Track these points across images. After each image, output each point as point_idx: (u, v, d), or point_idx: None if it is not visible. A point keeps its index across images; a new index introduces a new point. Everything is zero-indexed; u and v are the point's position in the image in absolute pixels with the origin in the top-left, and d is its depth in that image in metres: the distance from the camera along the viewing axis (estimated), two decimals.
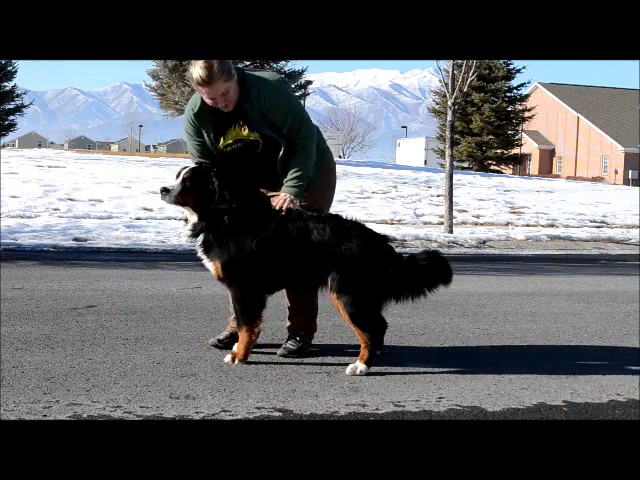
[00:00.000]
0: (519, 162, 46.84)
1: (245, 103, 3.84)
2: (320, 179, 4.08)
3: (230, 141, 3.95)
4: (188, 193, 3.74)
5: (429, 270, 3.88)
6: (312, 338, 4.25)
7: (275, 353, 4.14)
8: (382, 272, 3.77)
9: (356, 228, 3.82)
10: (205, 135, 3.95)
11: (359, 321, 3.78)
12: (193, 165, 3.91)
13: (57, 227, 10.77)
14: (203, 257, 3.88)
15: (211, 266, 3.85)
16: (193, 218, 3.82)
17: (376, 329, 3.85)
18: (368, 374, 3.78)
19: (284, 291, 4.14)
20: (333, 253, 3.73)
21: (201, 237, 3.83)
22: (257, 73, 3.97)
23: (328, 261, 3.74)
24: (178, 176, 3.79)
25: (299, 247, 3.77)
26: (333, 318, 4.33)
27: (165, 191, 3.74)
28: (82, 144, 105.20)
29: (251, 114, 3.86)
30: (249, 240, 3.75)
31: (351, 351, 4.24)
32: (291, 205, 3.79)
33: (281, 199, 3.79)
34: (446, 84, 13.92)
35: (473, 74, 13.86)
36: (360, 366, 3.81)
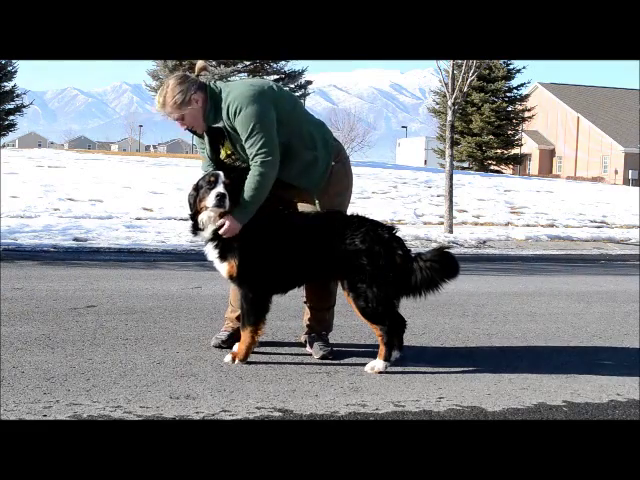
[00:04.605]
0: (519, 162, 46.83)
1: (220, 122, 3.86)
2: (337, 168, 4.07)
3: (224, 155, 4.05)
4: (230, 198, 3.73)
5: (438, 266, 3.88)
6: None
7: (275, 353, 4.14)
8: (389, 263, 3.78)
9: (360, 222, 3.86)
10: (206, 149, 4.06)
11: (369, 314, 3.81)
12: (219, 171, 3.84)
13: (57, 227, 10.76)
14: (214, 257, 3.87)
15: (225, 266, 3.84)
16: (220, 221, 3.78)
17: (390, 320, 3.85)
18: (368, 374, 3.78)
19: (287, 292, 4.13)
20: (340, 249, 3.77)
21: (215, 239, 3.83)
22: (238, 85, 3.92)
23: (336, 257, 3.78)
24: (213, 182, 3.74)
25: (308, 245, 3.80)
26: (333, 318, 4.36)
27: (222, 196, 3.69)
28: (82, 144, 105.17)
29: (225, 132, 3.90)
30: (264, 239, 3.78)
31: (352, 350, 4.25)
32: (229, 234, 3.74)
33: (225, 227, 3.75)
34: (446, 84, 13.92)
35: (473, 74, 13.85)
36: (378, 363, 3.82)
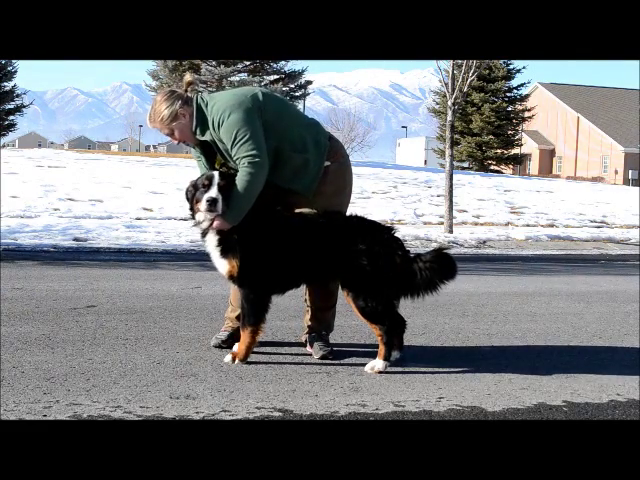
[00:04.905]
0: (519, 162, 46.83)
1: (207, 134, 3.87)
2: (333, 168, 4.05)
3: (218, 166, 4.07)
4: (225, 200, 3.73)
5: (437, 267, 3.89)
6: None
7: (275, 353, 4.14)
8: (389, 263, 3.79)
9: (359, 222, 3.88)
10: (203, 161, 4.08)
11: (369, 313, 3.81)
12: (214, 172, 3.85)
13: (57, 227, 10.76)
14: (215, 255, 3.86)
15: (225, 264, 3.83)
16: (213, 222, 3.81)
17: (389, 320, 3.85)
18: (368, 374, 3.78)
19: (288, 292, 4.13)
20: (340, 249, 3.78)
21: (214, 233, 3.83)
22: (222, 95, 3.93)
23: (336, 258, 3.79)
24: (207, 186, 3.74)
25: (307, 246, 3.81)
26: (334, 318, 4.36)
27: (214, 201, 3.69)
28: (82, 144, 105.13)
29: (214, 144, 3.91)
30: (264, 240, 3.78)
31: (352, 350, 4.25)
32: (222, 227, 3.77)
33: (214, 226, 3.78)
34: (446, 84, 13.92)
35: (473, 74, 13.86)
36: (378, 363, 3.82)
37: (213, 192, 3.71)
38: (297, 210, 3.99)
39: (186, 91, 3.96)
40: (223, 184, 3.73)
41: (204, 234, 3.88)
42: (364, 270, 3.76)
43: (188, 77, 4.03)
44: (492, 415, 3.20)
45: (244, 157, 3.74)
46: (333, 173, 4.05)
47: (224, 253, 3.82)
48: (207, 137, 3.88)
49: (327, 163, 4.03)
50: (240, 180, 3.74)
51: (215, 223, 3.76)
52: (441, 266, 3.86)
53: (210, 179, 3.76)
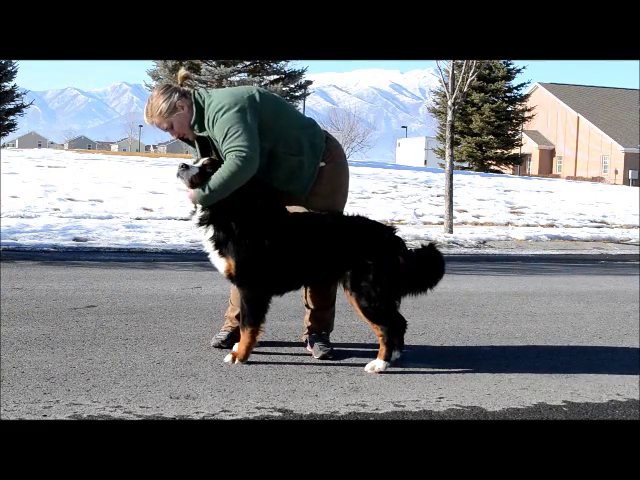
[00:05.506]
0: (519, 162, 46.84)
1: (204, 131, 3.88)
2: (328, 168, 4.03)
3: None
4: (204, 178, 3.75)
5: (428, 263, 3.94)
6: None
7: (275, 353, 4.14)
8: (392, 263, 3.80)
9: (361, 222, 3.89)
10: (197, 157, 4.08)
11: (372, 313, 3.81)
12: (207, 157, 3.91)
13: (57, 227, 10.76)
14: (212, 252, 3.86)
15: (222, 262, 3.84)
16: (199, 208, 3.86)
17: (391, 321, 3.86)
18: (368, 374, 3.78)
19: (284, 294, 4.13)
20: (342, 250, 3.79)
21: (210, 231, 3.83)
22: (219, 94, 3.92)
23: (338, 258, 3.80)
24: (196, 163, 3.84)
25: (308, 247, 3.81)
26: (334, 317, 4.37)
27: (185, 167, 3.77)
28: (82, 144, 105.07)
29: (210, 143, 3.92)
30: (263, 240, 3.77)
31: (352, 350, 4.25)
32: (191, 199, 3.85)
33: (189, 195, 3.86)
34: (446, 84, 13.92)
35: (473, 74, 13.86)
36: (378, 363, 3.82)
37: (190, 162, 3.83)
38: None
39: (182, 85, 3.97)
40: (208, 163, 3.79)
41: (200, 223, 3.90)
42: (367, 270, 3.76)
43: (182, 72, 4.04)
44: (492, 415, 3.21)
45: (233, 150, 3.72)
46: (328, 174, 4.03)
47: (220, 251, 3.82)
48: (204, 134, 3.89)
49: (322, 164, 4.02)
50: (223, 167, 3.74)
51: (189, 192, 3.82)
52: (431, 261, 3.93)
53: (198, 159, 3.88)
